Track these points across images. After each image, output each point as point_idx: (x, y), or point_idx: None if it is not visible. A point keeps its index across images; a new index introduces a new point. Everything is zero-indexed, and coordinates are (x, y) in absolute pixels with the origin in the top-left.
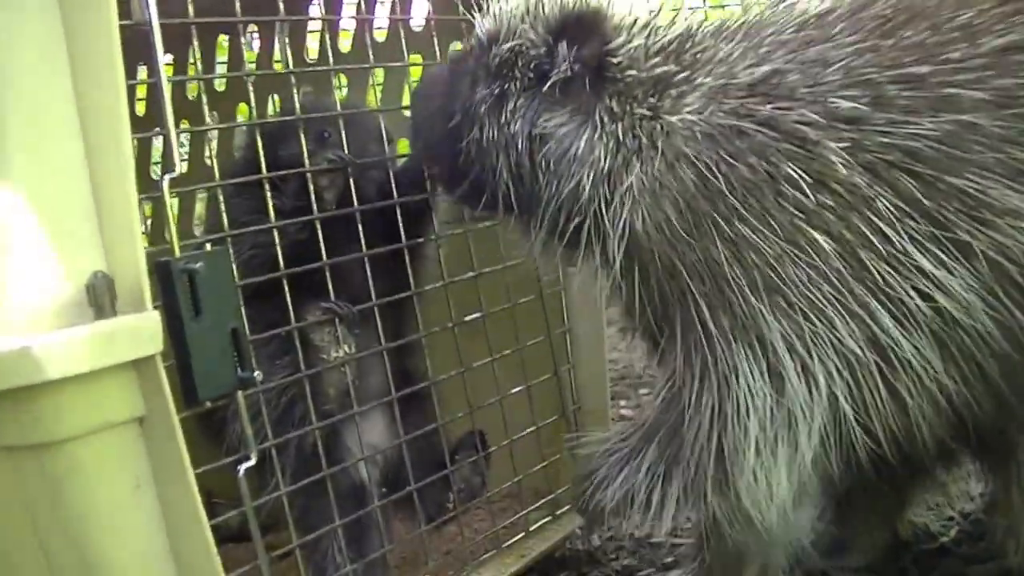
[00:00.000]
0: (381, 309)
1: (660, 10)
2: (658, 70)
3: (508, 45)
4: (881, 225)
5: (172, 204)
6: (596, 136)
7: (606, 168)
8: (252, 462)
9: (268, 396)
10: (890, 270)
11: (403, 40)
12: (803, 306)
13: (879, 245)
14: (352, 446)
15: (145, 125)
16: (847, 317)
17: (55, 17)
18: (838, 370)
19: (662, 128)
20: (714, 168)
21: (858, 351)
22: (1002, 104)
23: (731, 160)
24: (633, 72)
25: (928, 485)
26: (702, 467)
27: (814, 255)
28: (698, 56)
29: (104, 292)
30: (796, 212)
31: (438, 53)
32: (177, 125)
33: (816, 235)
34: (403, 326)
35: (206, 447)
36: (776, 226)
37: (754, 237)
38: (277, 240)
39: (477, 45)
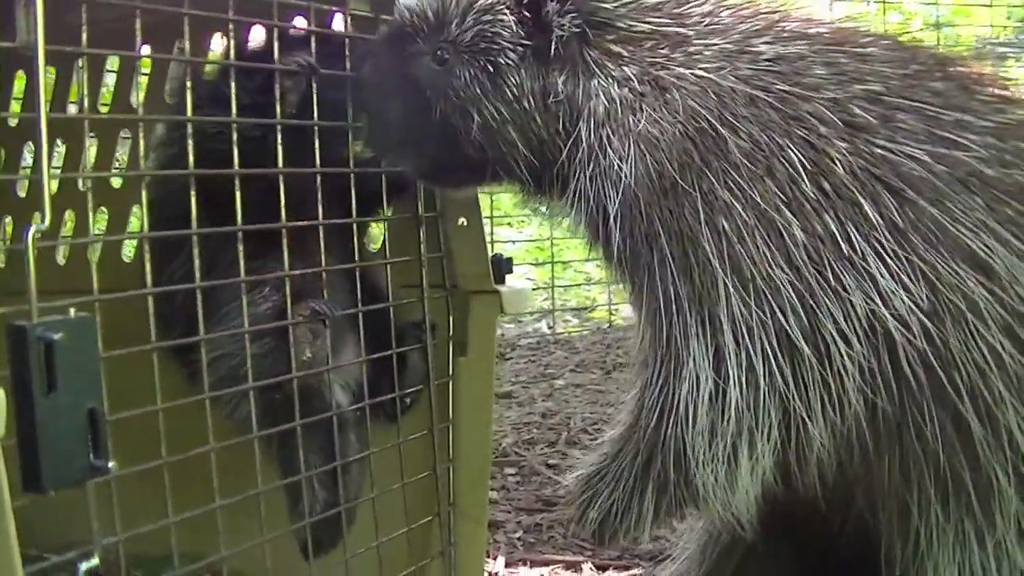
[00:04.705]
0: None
1: None
2: (662, 23)
3: (472, 19)
4: (851, 229)
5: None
6: (601, 81)
7: (610, 110)
8: (95, 562)
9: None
10: (846, 273)
11: None
12: (759, 287)
13: (843, 246)
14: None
15: None
16: (797, 307)
17: None
18: (779, 363)
19: (673, 79)
20: (717, 126)
21: (802, 344)
22: (999, 162)
23: (735, 124)
24: (629, 22)
25: None
26: (664, 465)
27: (784, 240)
28: (705, 17)
29: None
30: (780, 194)
31: None
32: None
33: (792, 220)
34: None
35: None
36: (757, 201)
37: (733, 205)
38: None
39: (418, 21)
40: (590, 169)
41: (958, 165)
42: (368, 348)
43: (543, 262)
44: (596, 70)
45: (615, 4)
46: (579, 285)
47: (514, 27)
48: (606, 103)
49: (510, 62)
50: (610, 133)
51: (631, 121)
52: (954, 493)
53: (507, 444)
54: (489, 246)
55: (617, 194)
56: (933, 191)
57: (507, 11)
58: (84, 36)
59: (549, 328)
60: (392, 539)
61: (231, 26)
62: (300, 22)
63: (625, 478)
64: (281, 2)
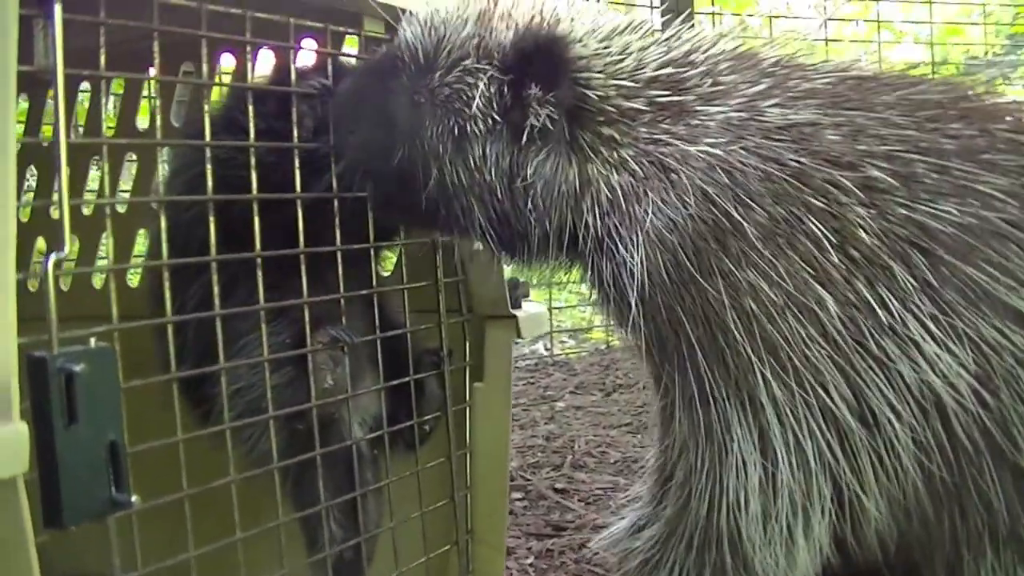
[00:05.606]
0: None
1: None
2: (658, 95)
3: (455, 75)
4: (886, 295)
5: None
6: (598, 168)
7: (613, 200)
8: None
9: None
10: (888, 341)
11: None
12: (797, 366)
13: (881, 314)
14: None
15: None
16: (840, 382)
17: None
18: (827, 439)
19: (676, 158)
20: (731, 208)
21: (848, 419)
22: None
23: (750, 202)
24: (620, 100)
25: None
26: (720, 552)
27: (817, 314)
28: (704, 79)
29: None
30: (807, 268)
31: None
32: None
33: (823, 294)
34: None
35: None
36: (784, 278)
37: (760, 285)
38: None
39: (409, 57)
40: (603, 260)
41: (989, 217)
42: (385, 377)
43: (539, 284)
44: (591, 155)
45: (604, 89)
46: (574, 306)
47: (492, 99)
48: (607, 192)
49: (477, 131)
50: (617, 224)
51: (637, 211)
52: (1013, 543)
53: (513, 468)
54: None
55: (635, 286)
56: (965, 248)
57: (488, 80)
58: (103, 59)
59: (547, 350)
60: (411, 569)
61: (248, 48)
62: (309, 44)
63: (681, 566)
64: (296, 23)
